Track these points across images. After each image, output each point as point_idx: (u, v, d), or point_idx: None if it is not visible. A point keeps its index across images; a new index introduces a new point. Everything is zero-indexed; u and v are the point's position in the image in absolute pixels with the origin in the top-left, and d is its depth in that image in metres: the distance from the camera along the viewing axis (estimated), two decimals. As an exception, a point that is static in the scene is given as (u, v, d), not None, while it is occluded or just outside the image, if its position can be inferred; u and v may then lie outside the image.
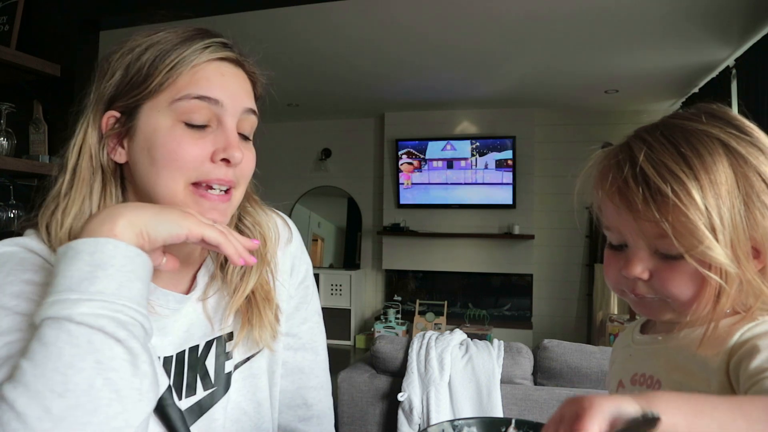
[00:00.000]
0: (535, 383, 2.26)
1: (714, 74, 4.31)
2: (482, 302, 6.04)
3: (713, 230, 0.57)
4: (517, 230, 5.72)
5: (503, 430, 0.63)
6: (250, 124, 0.75)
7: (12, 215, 1.97)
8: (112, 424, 0.55)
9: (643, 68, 4.32)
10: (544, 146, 5.77)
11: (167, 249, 0.69)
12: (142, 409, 0.58)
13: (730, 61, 3.95)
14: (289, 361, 0.86)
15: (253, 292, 0.78)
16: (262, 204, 0.86)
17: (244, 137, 0.74)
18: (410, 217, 6.04)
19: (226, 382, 0.78)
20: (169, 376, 0.73)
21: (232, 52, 0.73)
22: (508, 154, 5.70)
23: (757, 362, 0.54)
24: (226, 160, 0.70)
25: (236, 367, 0.79)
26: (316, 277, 5.31)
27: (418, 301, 5.84)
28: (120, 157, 0.72)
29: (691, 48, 3.87)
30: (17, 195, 2.01)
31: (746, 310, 0.61)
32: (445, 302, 5.77)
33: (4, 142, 1.96)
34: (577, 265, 5.83)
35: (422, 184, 5.98)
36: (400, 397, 2.20)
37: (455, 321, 5.79)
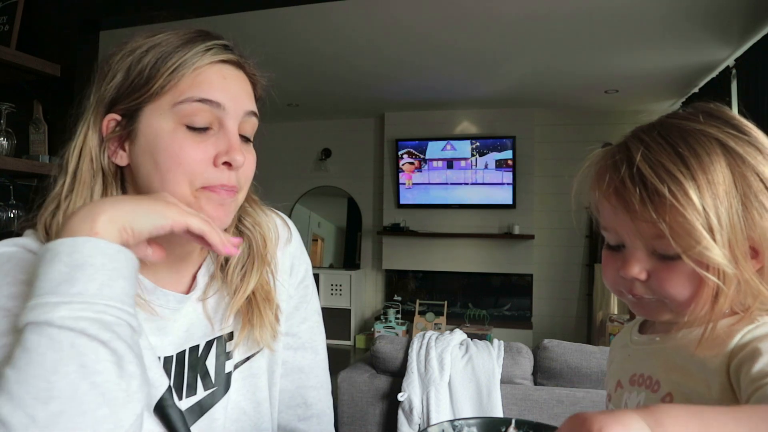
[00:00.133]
0: (535, 383, 2.26)
1: (714, 74, 4.31)
2: (482, 302, 6.04)
3: (711, 230, 0.57)
4: (517, 230, 5.72)
5: (503, 430, 0.63)
6: (251, 126, 0.75)
7: (12, 215, 1.97)
8: (101, 428, 0.55)
9: (643, 68, 4.32)
10: (544, 146, 5.77)
11: (163, 244, 0.68)
12: (132, 411, 0.57)
13: (730, 61, 3.95)
14: (288, 360, 0.86)
15: (253, 292, 0.78)
16: (261, 204, 0.86)
17: (245, 139, 0.75)
18: (410, 217, 6.04)
19: (226, 381, 0.78)
20: (170, 377, 0.73)
21: (233, 54, 0.73)
22: (508, 154, 5.70)
23: (759, 366, 0.54)
24: (228, 164, 0.70)
25: (236, 366, 0.79)
26: (316, 277, 5.29)
27: (418, 301, 5.84)
28: (121, 160, 0.72)
29: (691, 48, 3.87)
30: (17, 195, 2.01)
31: (745, 310, 0.60)
32: (445, 302, 5.77)
33: (4, 142, 1.96)
34: (577, 265, 5.83)
35: (422, 184, 5.98)
36: (400, 397, 2.20)
37: (455, 321, 5.79)
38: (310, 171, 6.50)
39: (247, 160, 0.72)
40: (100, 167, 0.72)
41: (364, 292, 6.35)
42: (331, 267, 6.40)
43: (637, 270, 0.63)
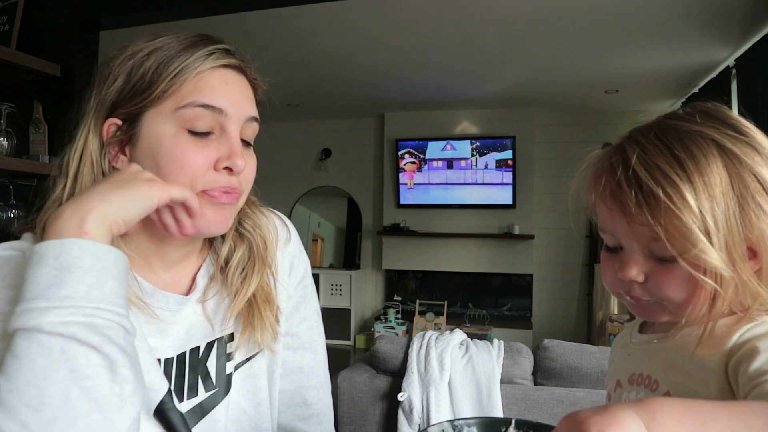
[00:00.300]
0: (535, 383, 2.26)
1: (714, 74, 4.31)
2: (482, 302, 6.04)
3: (707, 233, 0.57)
4: (517, 230, 5.72)
5: (503, 430, 0.63)
6: (252, 130, 0.75)
7: (12, 215, 1.97)
8: None
9: (643, 68, 4.32)
10: (544, 146, 5.77)
11: (163, 246, 0.71)
12: (126, 415, 0.57)
13: (730, 61, 3.95)
14: (288, 360, 0.86)
15: (254, 294, 0.78)
16: (260, 205, 0.86)
17: (246, 143, 0.75)
18: (410, 217, 6.04)
19: (226, 383, 0.78)
20: (170, 379, 0.73)
21: (234, 58, 0.73)
22: (508, 154, 5.70)
23: (756, 364, 0.54)
24: (229, 168, 0.70)
25: (236, 367, 0.79)
26: (316, 277, 5.29)
27: (418, 301, 5.84)
28: (122, 164, 0.72)
29: (691, 48, 3.87)
30: (17, 195, 2.01)
31: (744, 311, 0.60)
32: (445, 302, 5.77)
33: (4, 142, 1.96)
34: (577, 265, 5.83)
35: (422, 184, 5.98)
36: (400, 397, 2.20)
37: (455, 321, 5.79)
38: (310, 171, 6.50)
39: (248, 165, 0.72)
40: (101, 171, 0.71)
41: (364, 292, 6.34)
42: (331, 267, 6.40)
43: (635, 272, 0.63)
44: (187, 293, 0.77)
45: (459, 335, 2.37)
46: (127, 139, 0.71)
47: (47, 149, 2.10)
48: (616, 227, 0.63)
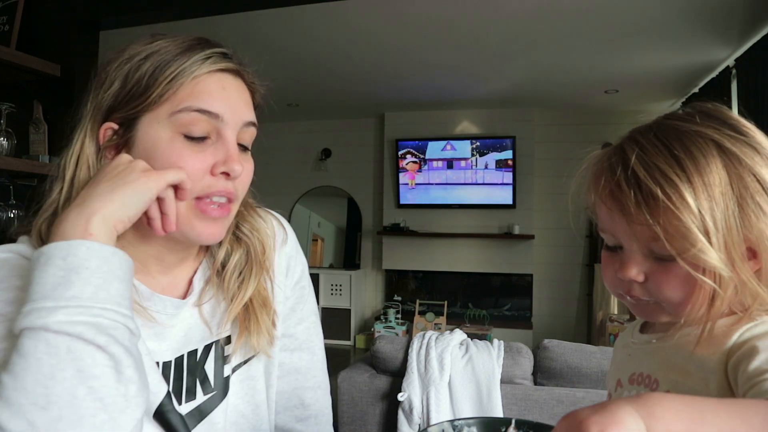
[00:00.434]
0: (535, 383, 2.26)
1: (714, 74, 4.31)
2: (482, 302, 6.04)
3: (706, 233, 0.57)
4: (517, 230, 5.72)
5: (503, 430, 0.63)
6: (250, 135, 0.75)
7: (12, 215, 1.97)
8: None
9: (643, 68, 4.32)
10: (544, 146, 5.77)
11: (160, 249, 0.71)
12: (131, 416, 0.57)
13: (730, 61, 3.95)
14: (285, 362, 0.86)
15: (251, 298, 0.78)
16: (257, 206, 0.85)
17: (243, 147, 0.74)
18: (410, 217, 6.04)
19: (224, 385, 0.78)
20: (169, 382, 0.73)
21: (232, 62, 0.73)
22: (508, 154, 5.70)
23: (756, 363, 0.54)
24: (225, 173, 0.70)
25: (234, 370, 0.79)
26: (316, 277, 5.31)
27: (418, 301, 5.84)
28: None
29: (691, 48, 3.87)
30: (17, 195, 2.01)
31: (744, 311, 0.60)
32: (445, 302, 5.77)
33: (4, 142, 1.96)
34: (577, 265, 5.83)
35: (422, 185, 5.98)
36: (400, 397, 2.20)
37: (455, 321, 5.79)
38: (310, 171, 6.50)
39: (245, 170, 0.72)
40: None
41: (364, 292, 6.34)
42: (331, 267, 6.40)
43: (635, 272, 0.63)
44: (184, 296, 0.77)
45: (459, 335, 2.37)
46: (124, 143, 0.71)
47: (47, 149, 2.10)
48: (615, 227, 0.63)
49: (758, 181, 0.59)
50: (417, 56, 4.19)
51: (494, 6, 3.27)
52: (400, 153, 5.98)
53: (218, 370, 0.77)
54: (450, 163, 5.87)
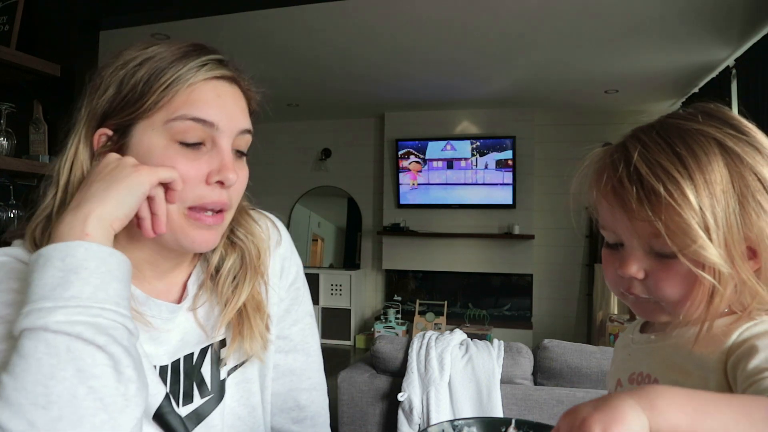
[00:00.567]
0: (535, 383, 2.26)
1: (714, 74, 4.31)
2: (482, 302, 6.04)
3: (707, 230, 0.57)
4: (517, 230, 5.72)
5: (503, 430, 0.63)
6: (245, 142, 0.74)
7: (12, 215, 1.97)
8: None
9: (643, 68, 4.32)
10: (544, 146, 5.77)
11: (156, 254, 0.72)
12: (130, 415, 0.57)
13: (730, 61, 3.95)
14: (280, 363, 0.86)
15: (244, 303, 0.78)
16: (251, 208, 0.84)
17: (239, 153, 0.74)
18: (410, 217, 6.04)
19: (221, 388, 0.78)
20: (166, 386, 0.73)
21: (228, 69, 0.72)
22: (508, 154, 5.70)
23: (755, 362, 0.54)
24: (220, 182, 0.70)
25: (229, 373, 0.79)
26: (316, 277, 5.29)
27: (418, 301, 5.84)
28: None
29: (691, 48, 3.87)
30: (17, 195, 2.01)
31: (743, 310, 0.61)
32: (445, 302, 5.77)
33: (4, 142, 1.96)
34: (577, 265, 5.83)
35: (422, 185, 5.98)
36: (400, 397, 2.20)
37: (455, 321, 5.79)
38: (310, 171, 6.50)
39: (239, 177, 0.72)
40: None
41: (364, 292, 6.34)
42: (331, 267, 6.40)
43: (635, 269, 0.63)
44: (179, 301, 0.77)
45: (459, 335, 2.37)
46: (118, 149, 0.70)
47: (47, 149, 2.10)
48: (617, 224, 0.64)
49: (759, 180, 0.59)
50: (417, 56, 4.19)
51: (494, 6, 3.27)
52: (401, 153, 5.98)
53: (215, 373, 0.77)
54: (450, 163, 5.87)
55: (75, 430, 0.54)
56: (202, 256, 0.80)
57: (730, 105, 3.74)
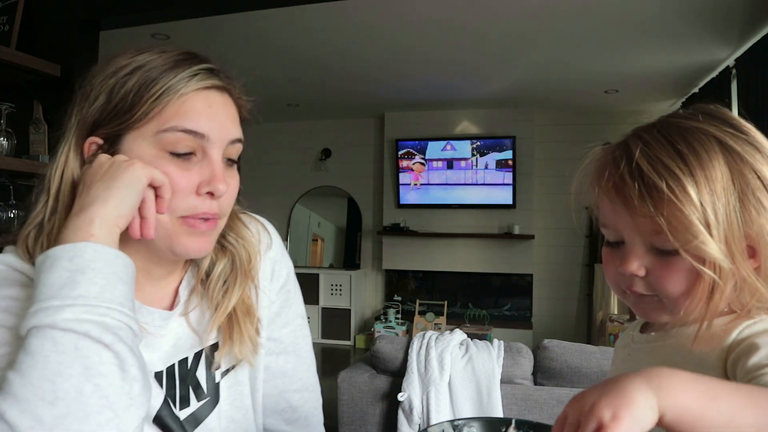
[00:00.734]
0: (535, 383, 2.26)
1: (714, 74, 4.31)
2: (482, 302, 6.04)
3: (708, 225, 0.58)
4: (517, 230, 5.72)
5: (503, 430, 0.63)
6: (236, 150, 0.75)
7: (12, 215, 1.97)
8: (105, 431, 0.55)
9: (643, 68, 4.32)
10: (544, 146, 5.77)
11: (149, 261, 0.72)
12: (134, 414, 0.58)
13: (730, 61, 3.95)
14: (271, 365, 0.86)
15: (234, 307, 0.78)
16: (242, 212, 0.84)
17: (230, 161, 0.74)
18: (410, 217, 6.04)
19: (216, 391, 0.78)
20: (162, 390, 0.73)
21: (218, 79, 0.72)
22: (508, 155, 5.70)
23: (755, 359, 0.55)
24: (210, 193, 0.70)
25: (222, 376, 0.79)
26: (316, 277, 5.28)
27: (418, 301, 5.84)
28: None
29: (691, 48, 3.87)
30: (17, 195, 2.01)
31: (742, 309, 0.61)
32: (445, 302, 5.77)
33: (4, 142, 1.96)
34: (577, 265, 5.83)
35: (423, 185, 5.98)
36: (400, 397, 2.20)
37: (455, 321, 5.79)
38: (310, 171, 6.50)
39: (229, 187, 0.72)
40: None
41: (364, 292, 6.34)
42: (331, 267, 6.40)
43: (636, 266, 0.63)
44: (171, 307, 0.77)
45: (459, 335, 2.37)
46: None
47: (47, 149, 2.10)
48: (618, 220, 0.64)
49: (759, 178, 0.60)
50: (417, 56, 4.19)
51: (494, 6, 3.27)
52: (401, 153, 5.98)
53: (210, 376, 0.78)
54: (450, 163, 5.87)
55: (81, 427, 0.54)
56: (193, 261, 0.80)
57: (730, 105, 3.75)
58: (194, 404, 0.76)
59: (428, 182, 5.95)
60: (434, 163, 5.91)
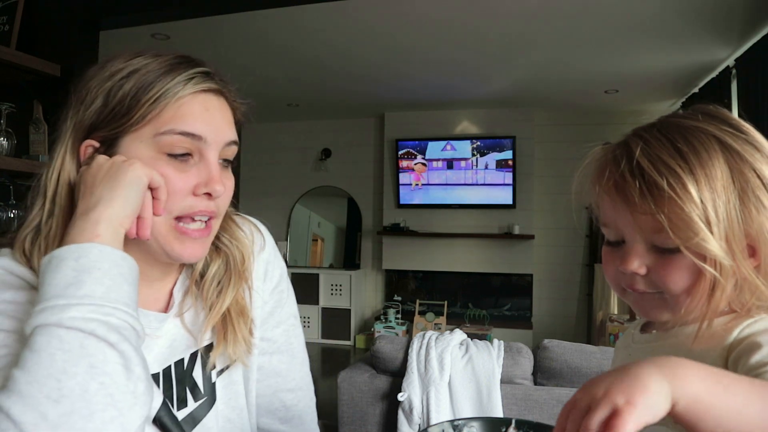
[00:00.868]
0: (535, 383, 2.26)
1: (714, 74, 4.31)
2: (482, 302, 6.04)
3: (708, 223, 0.58)
4: (517, 230, 5.72)
5: (503, 430, 0.63)
6: (232, 152, 0.76)
7: (12, 215, 1.97)
8: (109, 430, 0.55)
9: (643, 68, 4.32)
10: (544, 146, 5.77)
11: (144, 263, 0.71)
12: (138, 413, 0.58)
13: (730, 61, 3.95)
14: (265, 365, 0.86)
15: (228, 308, 0.79)
16: (235, 213, 0.85)
17: (225, 162, 0.75)
18: (410, 217, 6.04)
19: (212, 391, 0.79)
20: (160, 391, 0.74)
21: (214, 82, 0.73)
22: (508, 155, 5.70)
23: (757, 357, 0.55)
24: (208, 194, 0.71)
25: (217, 376, 0.80)
26: (316, 277, 5.28)
27: (418, 301, 5.84)
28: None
29: (691, 48, 3.87)
30: (17, 195, 2.01)
31: (742, 308, 0.62)
32: (445, 302, 5.77)
33: (4, 142, 1.96)
34: (577, 265, 5.83)
35: (423, 185, 5.98)
36: (400, 397, 2.20)
37: (455, 321, 5.79)
38: (310, 171, 6.50)
39: (226, 188, 0.73)
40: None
41: (364, 292, 6.34)
42: (331, 267, 6.40)
43: (637, 264, 0.64)
44: (166, 308, 0.78)
45: (459, 335, 2.37)
46: None
47: (47, 149, 2.10)
48: (618, 219, 0.64)
49: (759, 177, 0.60)
50: (417, 56, 4.19)
51: (494, 6, 3.27)
52: (401, 153, 5.98)
53: (206, 376, 0.78)
54: (450, 164, 5.87)
55: (85, 425, 0.54)
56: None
57: (730, 105, 3.75)
58: (192, 404, 0.76)
59: (428, 182, 5.95)
60: (434, 163, 5.91)
